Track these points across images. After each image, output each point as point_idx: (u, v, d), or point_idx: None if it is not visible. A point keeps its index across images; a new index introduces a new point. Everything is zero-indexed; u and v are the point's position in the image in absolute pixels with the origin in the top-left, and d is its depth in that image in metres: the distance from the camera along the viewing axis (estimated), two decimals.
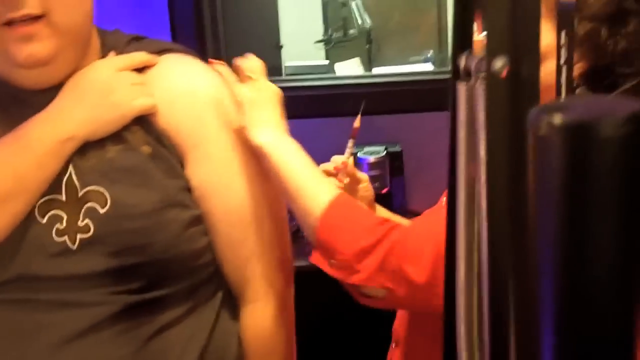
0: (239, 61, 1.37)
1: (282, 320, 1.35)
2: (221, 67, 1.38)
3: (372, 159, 2.61)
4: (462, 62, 0.59)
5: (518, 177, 0.56)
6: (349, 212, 1.28)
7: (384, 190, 2.62)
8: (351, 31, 4.00)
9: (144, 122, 1.23)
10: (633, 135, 0.36)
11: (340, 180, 1.57)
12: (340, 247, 1.24)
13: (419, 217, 1.37)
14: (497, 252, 0.56)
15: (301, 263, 1.41)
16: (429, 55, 4.04)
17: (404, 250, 1.21)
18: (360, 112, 1.75)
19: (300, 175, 1.30)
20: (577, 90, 1.12)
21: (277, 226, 1.34)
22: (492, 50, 0.54)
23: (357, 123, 1.72)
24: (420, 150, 2.85)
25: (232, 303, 1.34)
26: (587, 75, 1.27)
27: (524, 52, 0.54)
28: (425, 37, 4.28)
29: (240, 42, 3.03)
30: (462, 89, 0.59)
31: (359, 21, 3.84)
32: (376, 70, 3.62)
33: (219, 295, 1.32)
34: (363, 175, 1.63)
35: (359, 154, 2.63)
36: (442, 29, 4.22)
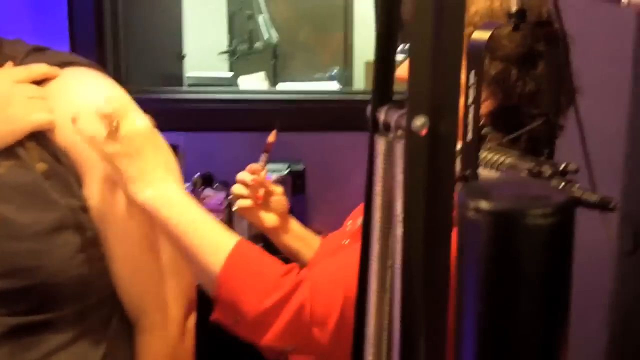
0: (100, 109, 1.18)
1: (181, 351, 1.31)
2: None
3: (274, 177, 2.60)
4: (382, 116, 0.59)
5: (434, 234, 0.56)
6: (250, 265, 1.21)
7: None
8: (257, 44, 3.99)
9: (40, 138, 1.17)
10: (559, 226, 0.37)
11: (255, 193, 1.56)
12: (245, 306, 1.18)
13: (327, 262, 1.32)
14: (411, 310, 0.56)
15: None
16: (333, 73, 4.07)
17: (311, 311, 1.17)
18: (276, 128, 1.74)
19: (192, 229, 1.21)
20: (483, 130, 1.14)
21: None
22: (413, 109, 0.55)
23: (272, 137, 1.69)
24: (323, 170, 2.86)
25: (128, 330, 1.29)
26: (494, 114, 1.30)
27: (443, 112, 0.55)
28: (331, 55, 4.31)
29: (142, 51, 2.98)
30: (380, 142, 0.59)
31: (266, 35, 3.84)
32: (281, 86, 3.62)
33: (114, 321, 1.27)
34: (277, 188, 1.61)
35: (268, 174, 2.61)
36: (348, 48, 4.26)
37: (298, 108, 2.82)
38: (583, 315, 1.42)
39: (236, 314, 1.19)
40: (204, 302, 1.37)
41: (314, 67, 4.21)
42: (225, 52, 4.13)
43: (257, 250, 1.25)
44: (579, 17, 1.34)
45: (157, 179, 1.22)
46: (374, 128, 0.60)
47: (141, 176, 1.20)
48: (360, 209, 1.67)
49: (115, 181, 1.20)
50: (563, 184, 1.06)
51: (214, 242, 1.22)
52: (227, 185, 2.66)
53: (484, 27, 1.07)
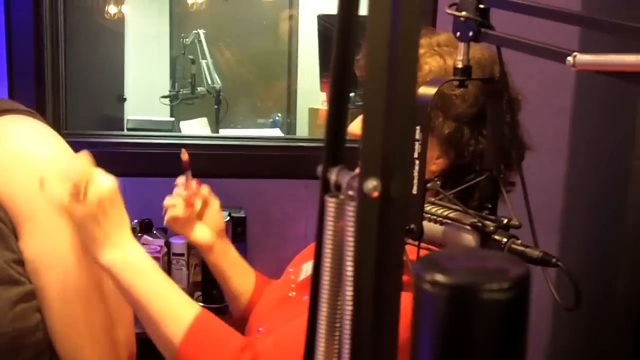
0: (66, 172, 1.18)
1: None
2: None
3: None
4: (333, 176, 0.59)
5: (384, 295, 0.56)
6: (209, 340, 1.20)
7: None
8: (199, 89, 3.98)
9: None
10: (517, 300, 0.36)
11: (189, 206, 1.52)
12: None
13: (279, 334, 1.28)
14: None
15: None
16: (276, 120, 4.08)
17: None
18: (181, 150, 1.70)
19: (155, 297, 1.21)
20: (430, 184, 1.15)
21: (119, 302, 1.28)
22: (365, 171, 0.54)
23: (184, 155, 1.63)
24: (264, 217, 2.85)
25: None
26: (445, 171, 1.32)
27: (395, 174, 0.55)
28: (274, 101, 4.32)
29: (82, 93, 2.95)
30: (331, 204, 0.58)
31: (209, 80, 3.83)
32: (223, 132, 3.61)
33: None
34: (214, 201, 1.58)
35: None
36: (291, 95, 4.28)
37: (240, 154, 2.81)
38: None
39: None
40: None
41: (257, 114, 4.22)
42: (167, 97, 4.12)
43: (216, 323, 1.24)
44: (521, 73, 1.36)
45: (123, 242, 1.22)
46: (325, 188, 0.60)
47: (107, 239, 1.20)
48: (301, 256, 1.66)
49: (51, 234, 1.18)
50: (505, 239, 1.07)
51: (175, 312, 1.21)
52: (166, 232, 2.63)
53: (430, 83, 1.09)
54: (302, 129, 4.05)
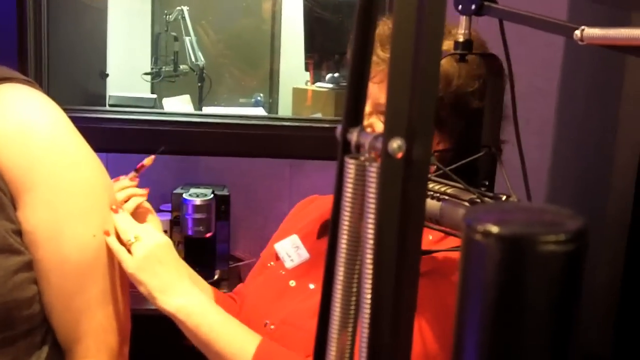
0: (117, 222, 1.30)
1: None
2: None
3: (198, 201, 2.55)
4: (354, 137, 0.58)
5: (405, 259, 0.55)
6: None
7: (208, 235, 2.57)
8: (182, 67, 3.94)
9: None
10: (574, 254, 0.35)
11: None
12: None
13: None
14: (378, 346, 0.54)
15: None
16: (258, 99, 4.05)
17: None
18: (157, 153, 1.70)
19: (220, 334, 1.28)
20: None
21: (115, 278, 1.27)
22: (390, 131, 0.54)
23: (148, 161, 1.65)
24: (248, 196, 2.84)
25: (60, 357, 1.25)
26: (441, 150, 1.31)
27: (419, 136, 0.54)
28: (257, 80, 4.29)
29: (65, 69, 2.91)
30: (351, 165, 0.57)
31: (192, 58, 3.80)
32: (206, 110, 3.58)
33: (45, 349, 1.22)
34: (153, 219, 1.55)
35: (184, 195, 2.57)
36: (273, 74, 4.25)
37: (224, 132, 2.79)
38: None
39: None
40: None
41: (239, 93, 4.19)
42: (149, 74, 4.07)
43: (277, 348, 1.30)
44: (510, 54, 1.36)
45: (183, 288, 1.32)
46: (344, 150, 0.59)
47: (170, 288, 1.30)
48: (275, 237, 1.65)
49: (50, 207, 1.17)
50: None
51: (239, 346, 1.28)
52: None
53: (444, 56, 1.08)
54: (285, 109, 4.03)
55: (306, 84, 3.66)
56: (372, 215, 0.56)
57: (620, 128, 3.21)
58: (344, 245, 0.59)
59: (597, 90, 3.07)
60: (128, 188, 1.50)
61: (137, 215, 1.47)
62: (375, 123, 1.36)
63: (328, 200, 1.69)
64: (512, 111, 1.16)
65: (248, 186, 2.85)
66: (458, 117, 1.30)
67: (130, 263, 1.28)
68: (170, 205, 2.66)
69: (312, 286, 1.42)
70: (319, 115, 3.32)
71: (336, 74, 3.30)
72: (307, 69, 3.65)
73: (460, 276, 0.40)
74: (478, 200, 1.09)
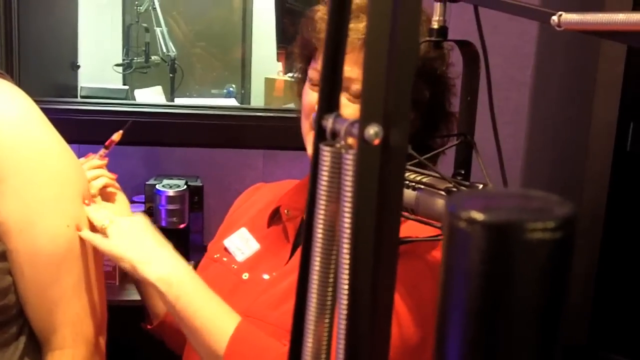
0: (90, 213, 1.27)
1: None
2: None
3: (171, 192, 2.53)
4: (329, 123, 0.56)
5: (383, 248, 0.54)
6: (250, 346, 1.22)
7: (182, 226, 2.55)
8: (153, 58, 3.91)
9: None
10: (562, 242, 0.34)
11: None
12: None
13: None
14: (356, 335, 0.53)
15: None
16: (230, 90, 4.03)
17: None
18: (124, 128, 1.68)
19: (198, 311, 1.23)
20: None
21: (90, 269, 1.25)
22: (366, 117, 0.52)
23: (116, 136, 1.65)
24: (221, 186, 2.82)
25: (37, 348, 1.24)
26: (414, 136, 1.30)
27: (395, 121, 0.53)
28: (228, 71, 4.27)
29: (35, 60, 2.87)
30: (326, 152, 0.56)
31: (164, 49, 3.76)
32: (178, 101, 3.55)
33: (22, 339, 1.21)
34: (122, 197, 1.53)
35: (157, 187, 2.54)
36: (245, 65, 4.22)
37: (196, 123, 2.76)
38: None
39: None
40: None
41: (211, 83, 4.16)
42: (120, 65, 4.03)
43: (254, 331, 1.25)
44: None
45: (167, 258, 1.27)
46: (319, 137, 0.57)
47: (151, 258, 1.25)
48: (223, 230, 1.63)
49: (23, 197, 1.15)
50: None
51: (218, 324, 1.23)
52: None
53: None
54: (257, 100, 4.00)
55: (278, 74, 3.64)
56: (348, 204, 0.54)
57: (595, 117, 3.23)
58: (320, 235, 0.58)
59: (571, 79, 3.08)
60: (98, 168, 1.48)
61: (106, 195, 1.46)
62: (342, 101, 1.33)
63: (273, 187, 1.67)
64: (488, 99, 1.15)
65: (221, 177, 2.83)
66: (424, 84, 1.29)
67: (105, 244, 1.24)
68: (143, 197, 2.63)
69: (266, 277, 1.40)
70: (291, 106, 3.30)
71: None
72: (279, 60, 3.63)
73: (443, 265, 0.39)
74: (454, 189, 1.08)
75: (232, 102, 3.66)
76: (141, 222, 1.31)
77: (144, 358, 2.19)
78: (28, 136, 1.17)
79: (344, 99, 1.31)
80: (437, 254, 1.28)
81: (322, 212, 0.58)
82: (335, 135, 0.57)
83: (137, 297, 1.49)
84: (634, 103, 3.25)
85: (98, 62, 4.00)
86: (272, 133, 2.73)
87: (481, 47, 1.14)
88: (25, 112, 1.19)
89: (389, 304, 0.55)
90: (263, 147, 2.82)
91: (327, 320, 0.59)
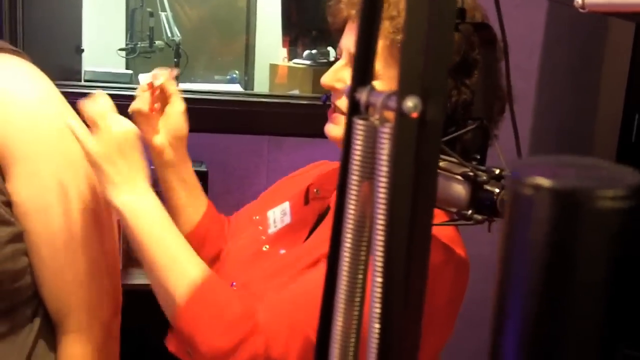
0: (83, 105, 1.19)
1: (106, 353, 1.26)
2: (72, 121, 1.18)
3: None
4: (363, 96, 0.56)
5: (419, 224, 0.53)
6: (210, 302, 1.16)
7: None
8: (158, 43, 3.89)
9: None
10: (635, 210, 0.32)
11: (153, 100, 1.40)
12: (200, 346, 1.14)
13: (280, 297, 1.22)
14: (390, 314, 0.52)
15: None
16: (234, 76, 4.01)
17: None
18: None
19: (162, 245, 1.18)
20: None
21: (107, 252, 1.25)
22: (404, 89, 0.51)
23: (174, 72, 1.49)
24: (226, 172, 2.81)
25: (51, 330, 1.24)
26: None
27: (434, 95, 0.52)
28: (232, 57, 4.25)
29: (40, 43, 2.86)
30: (360, 126, 0.55)
31: (168, 34, 3.74)
32: (183, 86, 3.54)
33: (37, 321, 1.21)
34: (178, 102, 1.44)
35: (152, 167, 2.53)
36: (249, 51, 4.21)
37: (201, 108, 2.75)
38: (477, 321, 1.42)
39: (189, 346, 1.16)
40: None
41: (215, 69, 4.14)
42: (124, 49, 4.02)
43: (220, 286, 1.20)
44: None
45: (138, 187, 1.19)
46: (353, 110, 0.56)
47: (123, 181, 1.18)
48: (264, 200, 1.61)
49: (40, 178, 1.14)
50: (498, 189, 1.05)
51: (180, 266, 1.18)
52: None
53: None
54: (261, 86, 3.99)
55: (283, 60, 3.63)
56: (384, 179, 0.53)
57: (600, 108, 3.22)
58: (351, 210, 0.57)
59: (578, 69, 3.07)
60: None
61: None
62: (347, 78, 1.31)
63: (331, 166, 1.60)
64: (507, 84, 1.14)
65: (226, 163, 2.82)
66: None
67: (93, 148, 1.16)
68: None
69: (282, 251, 1.38)
70: (296, 92, 3.29)
71: (314, 51, 3.26)
72: (284, 46, 3.61)
73: (504, 235, 0.37)
74: (471, 174, 1.07)
75: (237, 87, 3.65)
76: (131, 140, 1.21)
77: (147, 342, 2.19)
78: (46, 118, 1.16)
79: (349, 71, 1.30)
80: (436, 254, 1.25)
81: (354, 187, 0.57)
82: (368, 109, 0.56)
83: (141, 281, 1.47)
84: None
85: (102, 46, 3.98)
86: (277, 119, 2.73)
87: (500, 30, 1.13)
88: (44, 94, 1.18)
89: (423, 284, 0.54)
90: (267, 134, 2.81)
91: (357, 302, 0.58)
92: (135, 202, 1.19)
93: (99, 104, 1.18)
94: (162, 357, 1.71)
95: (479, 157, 1.20)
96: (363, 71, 0.57)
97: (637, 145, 3.28)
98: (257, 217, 1.53)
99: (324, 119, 1.36)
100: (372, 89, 0.56)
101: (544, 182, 0.34)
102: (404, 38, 0.52)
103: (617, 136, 3.28)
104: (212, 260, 1.49)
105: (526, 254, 0.35)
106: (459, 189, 1.07)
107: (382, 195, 0.54)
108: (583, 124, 3.21)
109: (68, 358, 1.23)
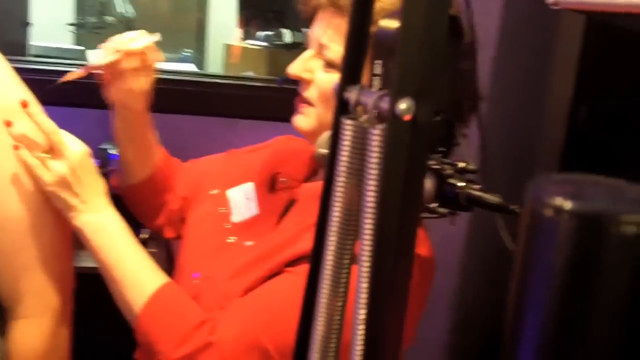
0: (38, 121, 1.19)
1: (58, 339, 1.23)
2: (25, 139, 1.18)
3: None
4: (353, 96, 0.55)
5: (406, 226, 0.53)
6: (168, 312, 1.20)
7: None
8: (109, 18, 3.82)
9: None
10: None
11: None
12: (157, 352, 1.17)
13: (244, 309, 1.22)
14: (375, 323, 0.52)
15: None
16: (187, 54, 3.97)
17: None
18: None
19: (122, 262, 1.22)
20: None
21: (58, 237, 1.22)
22: (399, 91, 0.51)
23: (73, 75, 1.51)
24: (180, 153, 2.77)
25: (1, 315, 1.21)
26: None
27: (426, 96, 0.52)
28: (185, 35, 4.20)
29: None
30: (348, 126, 0.54)
31: (121, 10, 3.68)
32: None
33: None
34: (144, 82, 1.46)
35: (110, 151, 2.48)
36: (202, 29, 4.16)
37: (156, 88, 2.71)
38: (428, 313, 1.43)
39: (152, 354, 1.18)
40: None
41: (167, 47, 4.09)
42: (73, 24, 3.94)
43: (178, 297, 1.23)
44: None
45: (98, 207, 1.23)
46: (341, 109, 0.56)
47: (83, 205, 1.21)
48: (220, 174, 1.58)
49: None
50: (462, 183, 1.05)
51: (140, 280, 1.22)
52: None
53: (392, 15, 1.04)
54: (214, 66, 3.95)
55: (238, 41, 3.59)
56: (373, 180, 0.53)
57: (549, 97, 3.25)
58: (337, 211, 0.57)
59: (531, 59, 3.10)
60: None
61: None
62: (315, 68, 1.30)
63: (297, 143, 1.51)
64: (473, 77, 1.14)
65: (178, 144, 2.78)
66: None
67: (48, 179, 1.18)
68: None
69: (248, 243, 1.36)
70: (250, 74, 3.26)
71: (270, 33, 3.23)
72: (240, 25, 3.58)
73: (519, 259, 0.36)
74: (437, 167, 1.07)
75: (191, 67, 3.60)
76: (84, 162, 1.22)
77: (95, 324, 2.16)
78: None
79: (318, 62, 1.28)
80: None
81: (340, 188, 0.56)
82: (356, 108, 0.56)
83: (89, 264, 1.44)
84: (590, 83, 3.28)
85: (50, 20, 3.89)
86: (232, 101, 2.69)
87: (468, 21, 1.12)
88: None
89: (407, 280, 0.54)
90: (222, 115, 2.77)
91: (339, 305, 0.58)
92: (94, 221, 1.22)
93: (45, 127, 1.18)
94: (112, 341, 1.69)
95: (444, 150, 1.20)
96: (353, 69, 0.57)
97: (585, 135, 3.32)
98: (216, 192, 1.50)
99: (279, 102, 1.34)
100: (362, 88, 0.56)
101: (566, 204, 0.33)
102: (401, 37, 0.51)
103: (566, 127, 3.31)
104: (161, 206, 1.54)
105: (545, 278, 0.34)
106: (426, 182, 1.07)
107: (371, 195, 0.53)
108: (531, 116, 3.25)
109: (18, 344, 1.21)
